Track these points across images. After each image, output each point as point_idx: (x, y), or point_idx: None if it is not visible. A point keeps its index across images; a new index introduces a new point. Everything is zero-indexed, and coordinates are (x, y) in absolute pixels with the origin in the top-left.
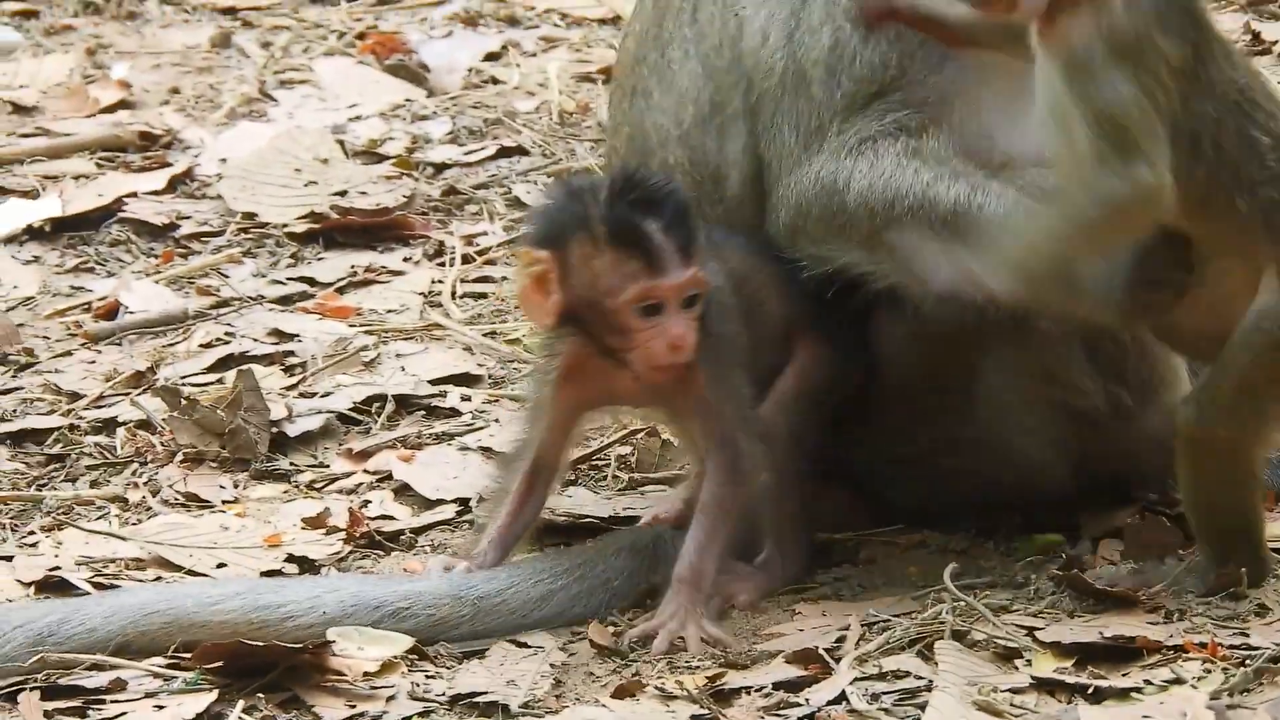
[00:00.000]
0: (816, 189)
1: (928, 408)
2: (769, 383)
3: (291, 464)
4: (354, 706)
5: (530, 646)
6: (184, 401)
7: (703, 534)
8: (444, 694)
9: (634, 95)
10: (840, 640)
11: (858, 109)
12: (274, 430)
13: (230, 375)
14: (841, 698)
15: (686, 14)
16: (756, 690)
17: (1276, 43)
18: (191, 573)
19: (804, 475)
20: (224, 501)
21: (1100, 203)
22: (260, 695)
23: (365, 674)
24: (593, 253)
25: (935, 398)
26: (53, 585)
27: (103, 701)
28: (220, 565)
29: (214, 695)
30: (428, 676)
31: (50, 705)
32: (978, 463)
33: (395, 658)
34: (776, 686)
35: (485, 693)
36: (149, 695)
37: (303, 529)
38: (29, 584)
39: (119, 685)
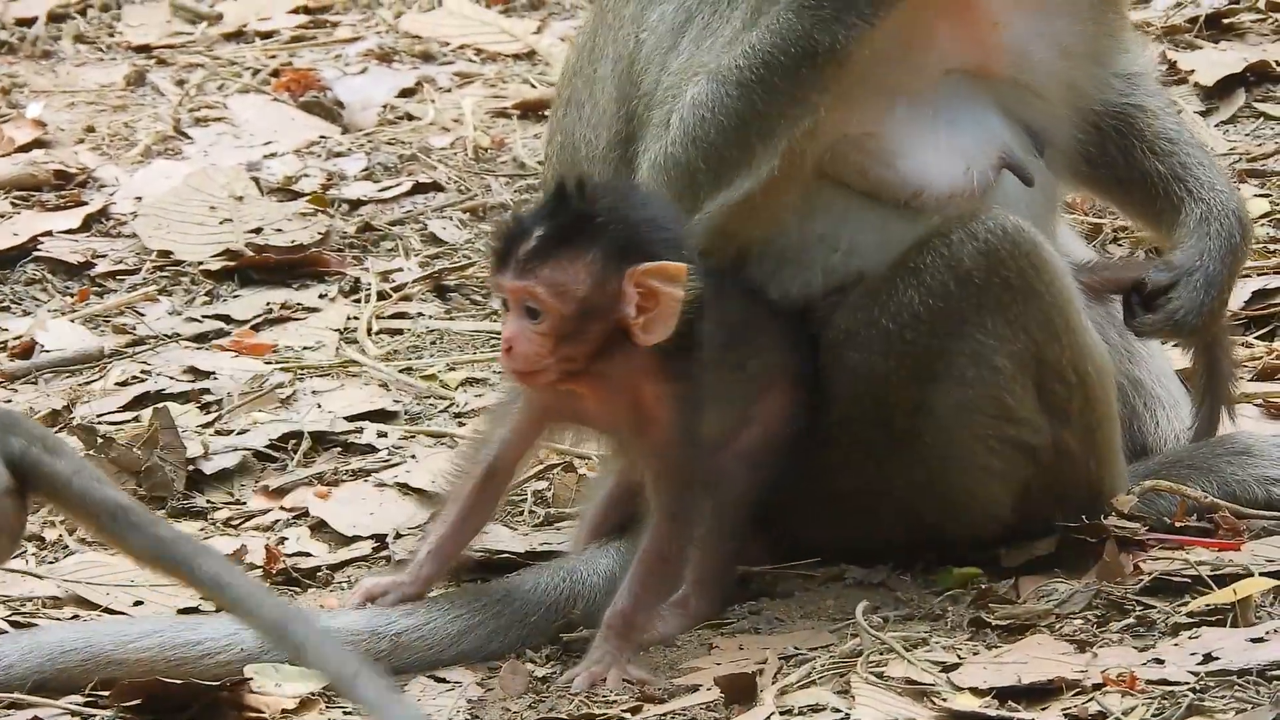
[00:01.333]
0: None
1: (872, 443)
2: (734, 430)
3: (208, 501)
4: None
5: (448, 682)
6: (100, 440)
7: (639, 585)
8: None
9: (568, 105)
10: (758, 675)
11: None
12: (190, 468)
13: (146, 413)
14: None
15: (613, 30)
16: None
17: (1193, 72)
18: (109, 610)
19: (742, 523)
20: None
21: None
22: None
23: (283, 711)
24: None
25: (881, 433)
26: None
27: None
28: (137, 603)
29: None
30: (345, 713)
31: None
32: (919, 499)
33: (313, 694)
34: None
35: None
36: None
37: None
38: None
39: None
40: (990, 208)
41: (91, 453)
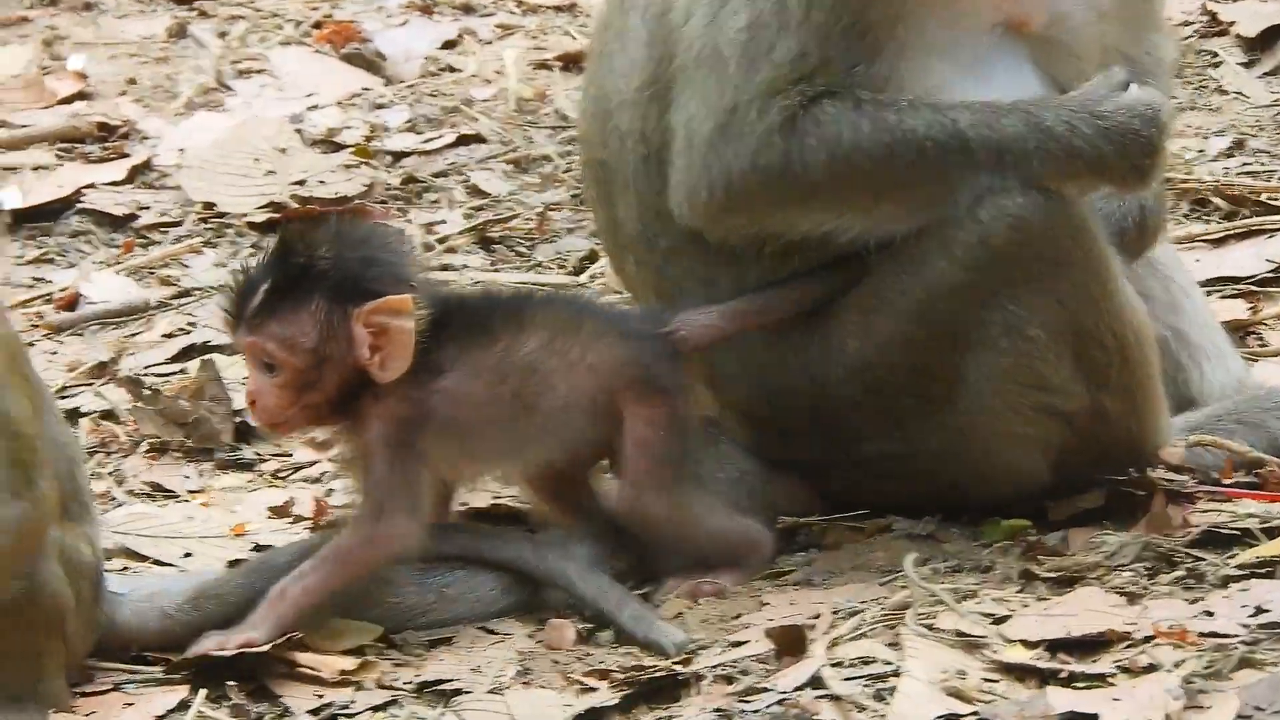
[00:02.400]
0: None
1: (906, 410)
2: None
3: (256, 453)
4: (321, 696)
5: (497, 634)
6: (147, 392)
7: (309, 565)
8: (411, 682)
9: (600, 57)
10: (808, 628)
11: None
12: (237, 419)
13: (193, 365)
14: (814, 682)
15: None
16: (721, 676)
17: (1234, 24)
18: (158, 563)
19: (717, 499)
20: (189, 491)
21: None
22: (230, 685)
23: (340, 671)
24: None
25: (913, 402)
26: None
27: (71, 695)
28: (186, 555)
29: (184, 688)
30: (395, 664)
31: None
32: (953, 465)
33: (365, 645)
34: (744, 672)
35: (451, 680)
36: (117, 688)
37: (268, 518)
38: None
39: (87, 678)
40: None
41: (139, 405)
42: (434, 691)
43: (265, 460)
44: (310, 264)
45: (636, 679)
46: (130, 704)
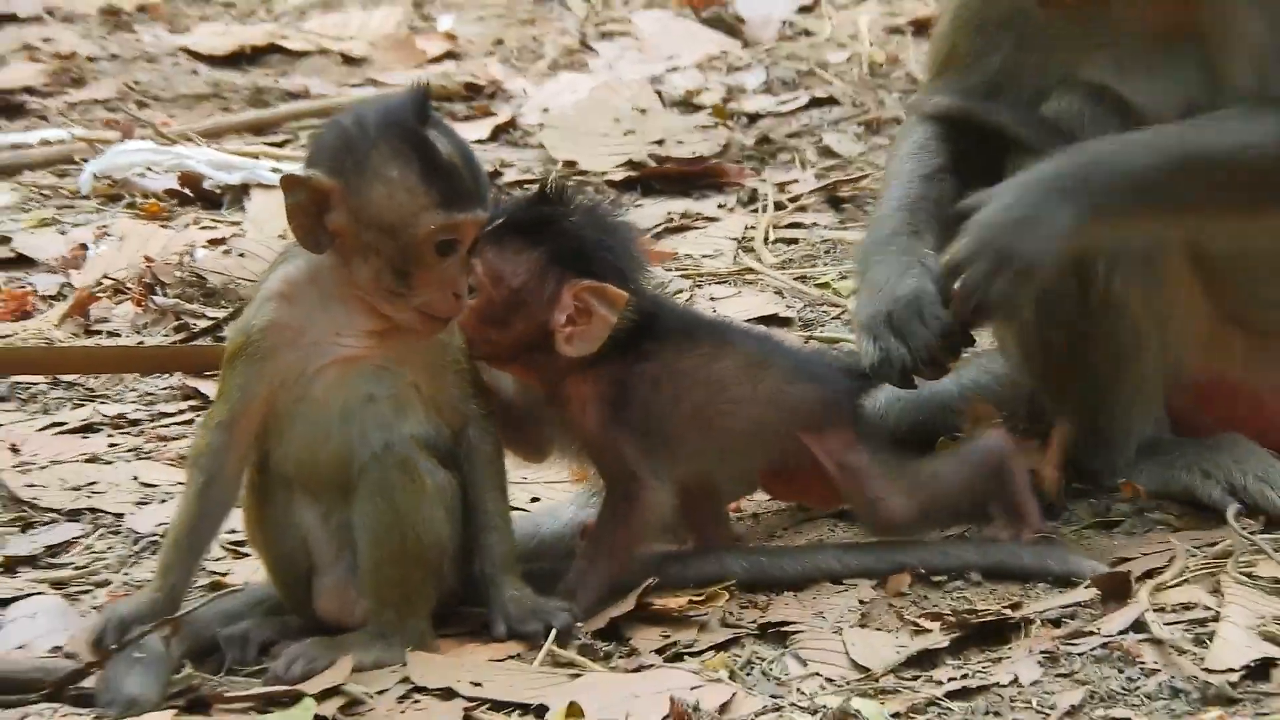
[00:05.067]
0: None
1: None
2: None
3: None
4: (668, 636)
5: (843, 584)
6: None
7: (583, 559)
8: (754, 622)
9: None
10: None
11: None
12: None
13: None
14: (1137, 626)
15: None
16: (1048, 620)
17: None
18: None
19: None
20: None
21: None
22: (578, 625)
23: (690, 601)
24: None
25: None
26: None
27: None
28: (534, 500)
29: None
30: (741, 606)
31: None
32: None
33: (720, 588)
34: (1071, 616)
35: (794, 622)
36: (472, 633)
37: None
38: None
39: (446, 620)
40: None
41: None
42: (777, 632)
43: None
44: (555, 219)
45: (967, 622)
46: (484, 644)
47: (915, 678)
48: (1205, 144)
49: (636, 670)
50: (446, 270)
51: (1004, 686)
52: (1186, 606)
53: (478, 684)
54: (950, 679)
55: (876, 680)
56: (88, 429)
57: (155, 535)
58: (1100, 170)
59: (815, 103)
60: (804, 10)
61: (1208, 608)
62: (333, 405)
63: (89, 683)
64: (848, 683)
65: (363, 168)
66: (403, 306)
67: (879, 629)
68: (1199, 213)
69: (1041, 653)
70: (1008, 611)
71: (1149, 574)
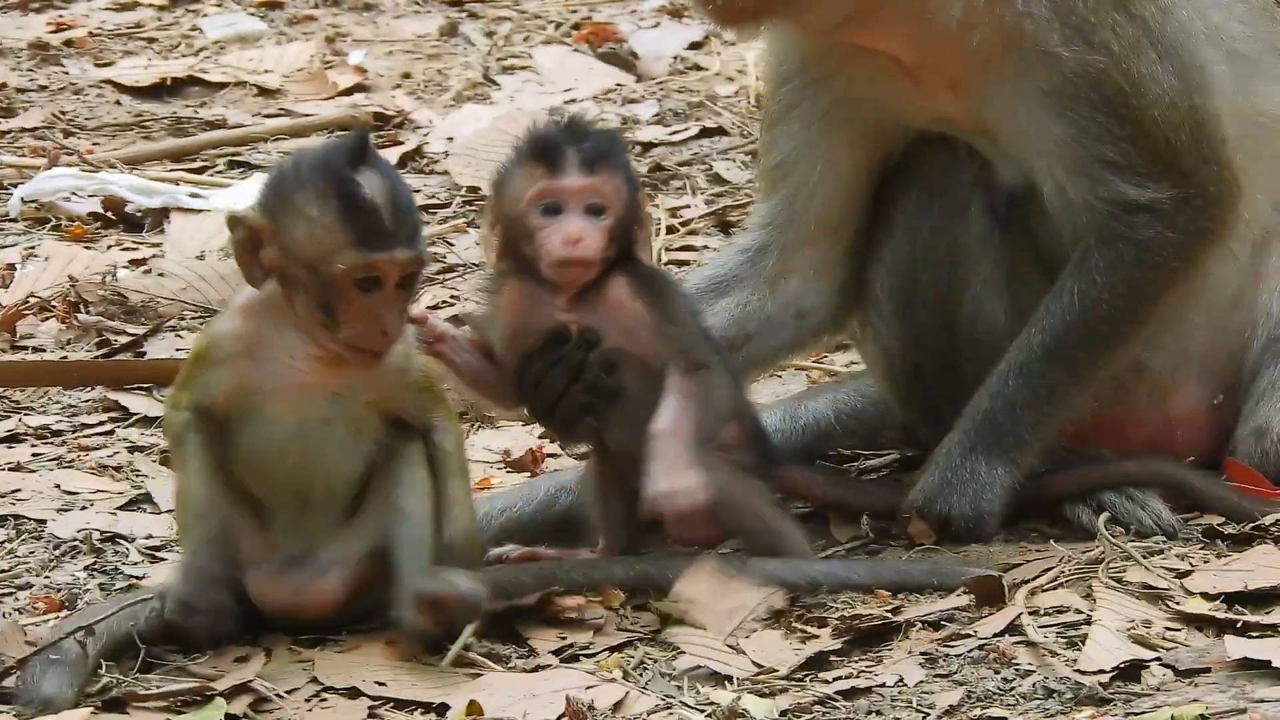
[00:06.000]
0: None
1: None
2: None
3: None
4: (564, 638)
5: None
6: None
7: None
8: (647, 626)
9: None
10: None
11: None
12: None
13: None
14: (1012, 629)
15: None
16: (927, 623)
17: None
18: None
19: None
20: None
21: None
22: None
23: (588, 601)
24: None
25: None
26: None
27: None
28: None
29: None
30: (635, 609)
31: None
32: None
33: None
34: (950, 619)
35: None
36: None
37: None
38: None
39: None
40: None
41: None
42: (666, 641)
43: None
44: (615, 139)
45: (854, 626)
46: (389, 644)
47: (804, 678)
48: (1061, 333)
49: (534, 670)
50: (371, 306)
51: (888, 687)
52: (1060, 610)
53: (382, 683)
54: (838, 678)
55: (765, 681)
56: (12, 439)
57: (75, 540)
58: (1001, 426)
59: (705, 133)
60: (694, 46)
61: (1079, 611)
62: (287, 425)
63: (8, 683)
64: (738, 682)
65: (289, 206)
66: (332, 339)
67: (769, 630)
68: (1106, 365)
69: (921, 654)
70: (889, 615)
71: (1023, 580)
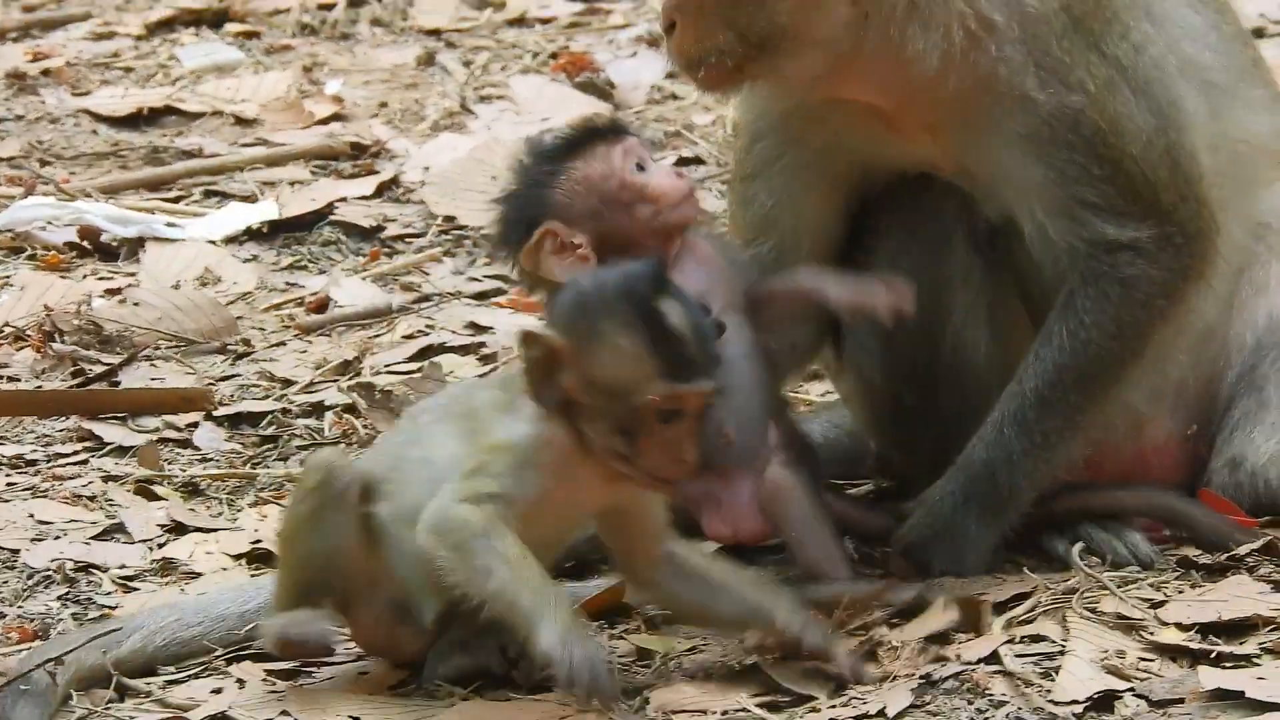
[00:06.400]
0: None
1: None
2: None
3: None
4: None
5: None
6: (378, 396)
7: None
8: (624, 655)
9: None
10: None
11: None
12: None
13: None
14: (991, 658)
15: None
16: (909, 646)
17: None
18: None
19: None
20: None
21: None
22: None
23: None
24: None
25: None
26: (257, 557)
27: None
28: None
29: None
30: (611, 637)
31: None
32: None
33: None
34: (931, 640)
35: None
36: None
37: None
38: (236, 556)
39: None
40: None
41: (369, 406)
42: (645, 666)
43: None
44: None
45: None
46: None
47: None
48: (1054, 377)
49: (506, 700)
50: (670, 435)
51: (872, 717)
52: (1035, 639)
53: (355, 717)
54: (830, 706)
55: (751, 711)
56: None
57: (49, 570)
58: (997, 478)
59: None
60: (671, 76)
61: (1054, 641)
62: (549, 528)
63: None
64: (724, 714)
65: (593, 332)
66: (629, 467)
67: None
68: (1100, 408)
69: (900, 680)
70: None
71: (1002, 606)
